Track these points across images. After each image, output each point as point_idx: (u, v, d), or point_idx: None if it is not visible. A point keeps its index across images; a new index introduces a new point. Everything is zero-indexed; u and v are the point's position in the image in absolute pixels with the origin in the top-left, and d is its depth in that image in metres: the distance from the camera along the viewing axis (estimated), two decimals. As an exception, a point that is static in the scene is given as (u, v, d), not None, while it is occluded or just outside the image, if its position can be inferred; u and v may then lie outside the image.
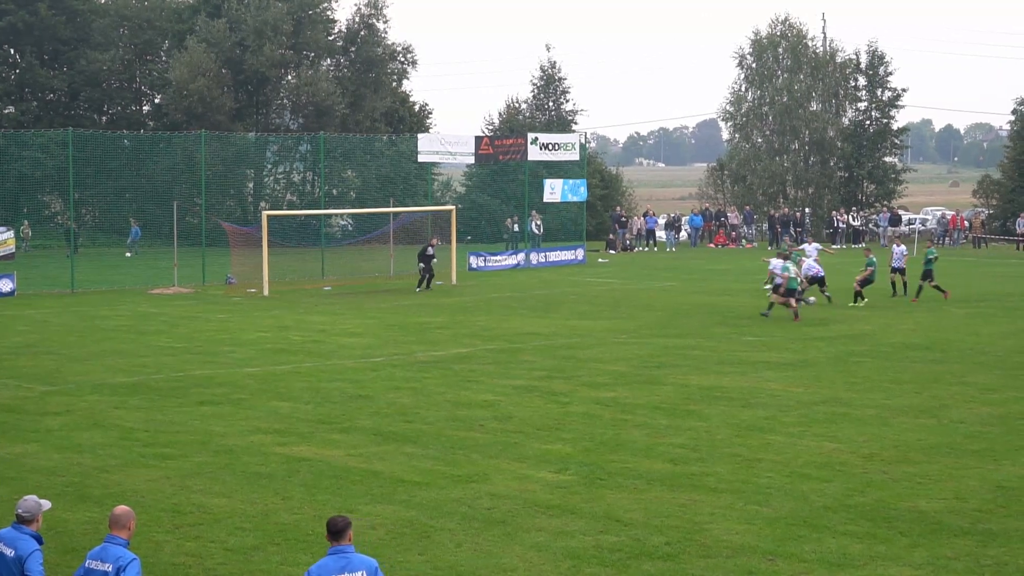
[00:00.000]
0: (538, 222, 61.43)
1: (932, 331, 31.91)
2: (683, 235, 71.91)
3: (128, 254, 58.54)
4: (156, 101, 74.05)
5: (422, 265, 43.91)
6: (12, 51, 72.01)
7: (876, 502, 15.66)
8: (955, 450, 18.48)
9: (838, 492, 16.11)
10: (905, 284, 40.01)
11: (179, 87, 65.54)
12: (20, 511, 10.10)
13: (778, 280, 34.61)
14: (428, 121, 77.98)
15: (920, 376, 24.97)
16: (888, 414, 21.10)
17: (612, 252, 64.64)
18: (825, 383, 24.17)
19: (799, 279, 34.99)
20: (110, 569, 9.57)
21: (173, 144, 62.38)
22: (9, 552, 9.88)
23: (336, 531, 9.52)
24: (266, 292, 41.89)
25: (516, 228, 60.47)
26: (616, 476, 16.92)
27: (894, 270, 40.21)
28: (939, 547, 13.94)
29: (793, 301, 34.12)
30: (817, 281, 37.75)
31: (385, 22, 73.60)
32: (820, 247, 43.81)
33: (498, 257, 54.97)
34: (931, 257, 39.69)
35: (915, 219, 76.43)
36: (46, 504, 10.28)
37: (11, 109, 70.19)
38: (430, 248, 44.22)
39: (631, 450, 18.46)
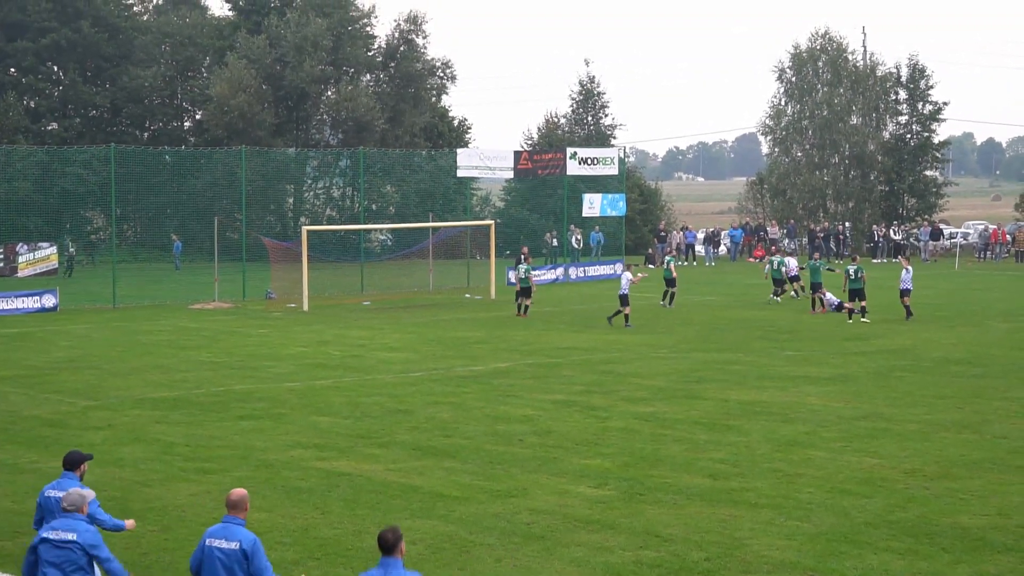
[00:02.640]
0: (578, 236, 61.38)
1: (974, 346, 31.65)
2: (722, 249, 71.63)
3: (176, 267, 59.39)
4: (197, 117, 74.71)
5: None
6: (55, 68, 72.80)
7: (918, 518, 15.54)
8: (998, 466, 18.31)
9: (879, 508, 15.99)
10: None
11: (220, 103, 66.01)
12: (65, 504, 10.66)
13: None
14: (467, 136, 78.22)
15: (962, 391, 24.76)
16: (930, 429, 20.94)
17: (651, 266, 64.50)
18: (866, 398, 24.00)
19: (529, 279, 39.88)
20: (237, 547, 10.23)
21: (214, 160, 62.80)
22: (70, 535, 10.46)
23: (386, 547, 9.65)
24: (306, 307, 42.04)
25: (555, 243, 60.42)
26: (655, 491, 16.86)
27: (904, 293, 37.44)
28: (982, 563, 13.81)
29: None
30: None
31: (424, 38, 73.97)
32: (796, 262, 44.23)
33: (537, 272, 54.90)
34: (818, 267, 39.94)
35: (956, 233, 75.77)
36: (89, 493, 10.86)
37: (54, 125, 70.98)
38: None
39: (670, 465, 18.39)
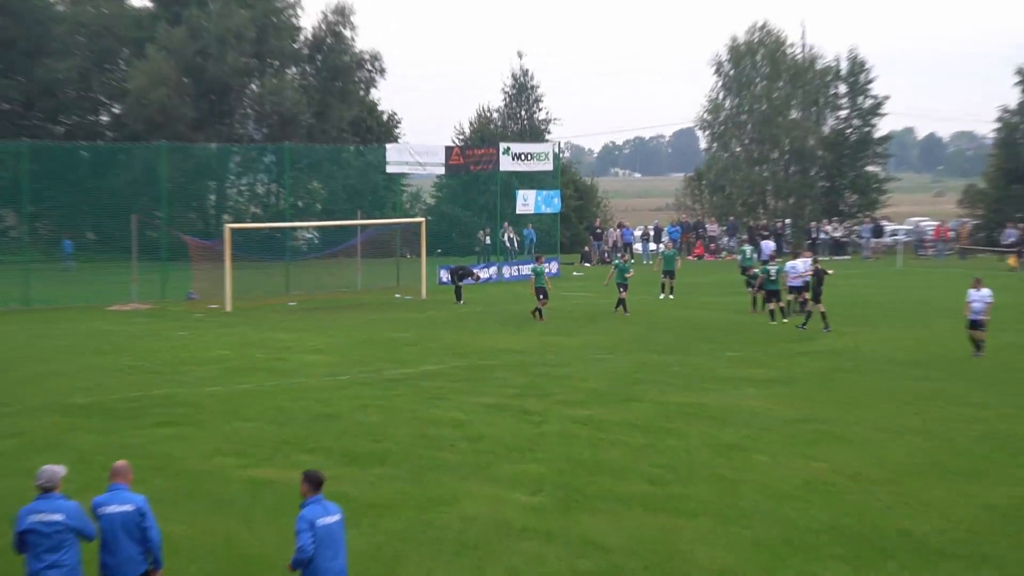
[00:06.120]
0: (511, 234, 60.88)
1: (919, 346, 31.52)
2: (661, 247, 71.33)
3: (66, 268, 57.37)
4: (115, 111, 73.33)
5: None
6: (-34, 61, 71.08)
7: (863, 524, 15.38)
8: (944, 470, 18.11)
9: (824, 514, 15.79)
10: (787, 304, 37.31)
11: (139, 96, 64.89)
12: (41, 482, 11.17)
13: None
14: (397, 131, 77.80)
15: (908, 393, 24.55)
16: (874, 432, 20.68)
17: (587, 265, 64.14)
18: (810, 400, 23.66)
19: None
20: (133, 508, 11.35)
21: (133, 155, 61.56)
22: (58, 516, 11.05)
23: (320, 482, 11.30)
24: (229, 308, 41.28)
25: (488, 240, 59.91)
26: (593, 498, 16.49)
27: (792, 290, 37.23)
28: (929, 570, 13.76)
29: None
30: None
31: (352, 30, 73.46)
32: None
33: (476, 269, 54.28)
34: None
35: (898, 230, 75.73)
36: (61, 470, 11.39)
37: (-36, 120, 69.30)
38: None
39: (608, 471, 17.95)
